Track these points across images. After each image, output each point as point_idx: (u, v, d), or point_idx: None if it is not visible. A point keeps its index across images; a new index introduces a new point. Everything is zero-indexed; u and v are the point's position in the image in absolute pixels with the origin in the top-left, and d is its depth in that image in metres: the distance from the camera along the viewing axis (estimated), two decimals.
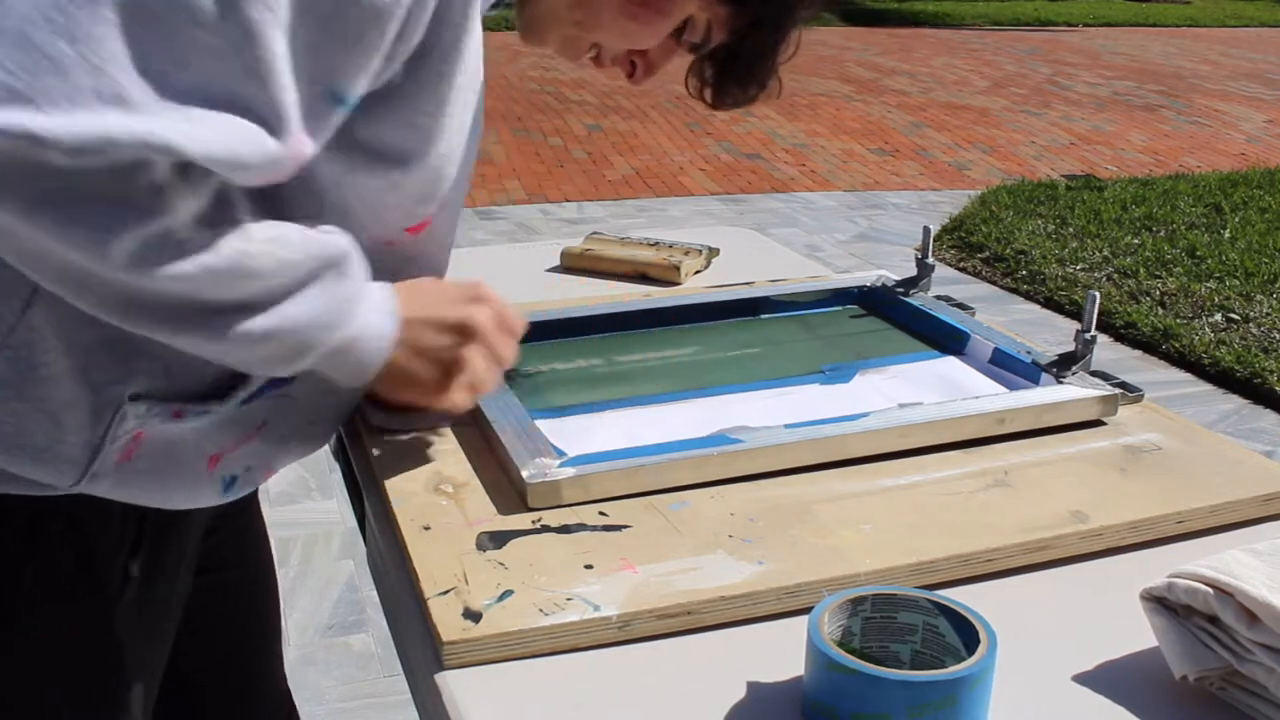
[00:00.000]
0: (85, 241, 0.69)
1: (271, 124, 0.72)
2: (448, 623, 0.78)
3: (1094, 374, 1.15)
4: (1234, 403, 3.55)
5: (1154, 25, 12.83)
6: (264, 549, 1.21)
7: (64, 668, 0.92)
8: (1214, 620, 0.74)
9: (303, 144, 0.75)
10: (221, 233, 0.75)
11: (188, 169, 0.72)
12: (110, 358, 0.82)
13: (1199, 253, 4.66)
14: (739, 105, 1.03)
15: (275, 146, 0.73)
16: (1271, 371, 3.61)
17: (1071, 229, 4.98)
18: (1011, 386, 1.17)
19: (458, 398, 0.93)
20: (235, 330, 0.78)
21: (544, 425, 1.05)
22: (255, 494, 1.16)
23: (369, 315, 0.85)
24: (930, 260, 1.38)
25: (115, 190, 0.69)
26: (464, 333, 0.92)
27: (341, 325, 0.83)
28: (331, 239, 0.83)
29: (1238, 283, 4.34)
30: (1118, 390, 1.11)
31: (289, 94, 0.73)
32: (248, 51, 0.70)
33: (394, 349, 0.87)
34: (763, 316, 1.39)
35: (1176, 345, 3.85)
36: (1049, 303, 4.30)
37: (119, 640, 0.94)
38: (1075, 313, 4.07)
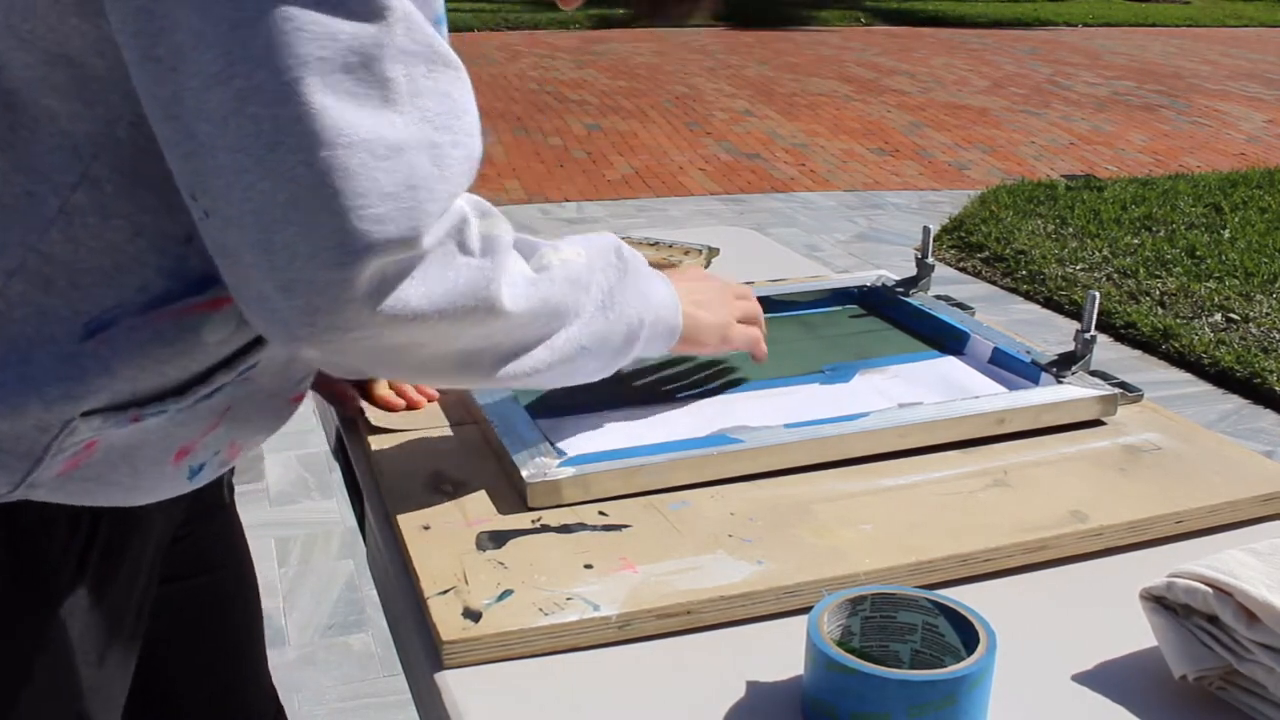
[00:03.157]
0: (475, 307, 0.73)
1: (457, 65, 0.72)
2: (447, 622, 0.78)
3: (1094, 374, 1.15)
4: (1234, 403, 3.55)
5: (1154, 25, 12.83)
6: (242, 550, 1.18)
7: (11, 681, 0.87)
8: (1213, 620, 0.74)
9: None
10: (540, 253, 0.82)
11: (478, 204, 0.76)
12: (68, 376, 0.78)
13: (1199, 253, 4.66)
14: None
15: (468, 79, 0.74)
16: (1271, 371, 3.61)
17: (1071, 229, 4.98)
18: (1011, 386, 1.17)
19: (744, 331, 1.08)
20: (587, 337, 0.85)
21: (544, 425, 1.05)
22: (231, 493, 1.15)
23: (656, 283, 0.94)
24: (930, 260, 1.38)
25: (456, 245, 0.72)
26: (712, 280, 1.06)
27: (649, 295, 0.91)
28: (591, 236, 0.90)
29: (1238, 283, 4.34)
30: (1117, 390, 1.11)
31: (441, 40, 0.72)
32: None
33: (681, 303, 0.97)
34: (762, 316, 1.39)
35: (1176, 345, 3.85)
36: (1049, 303, 4.30)
37: (71, 652, 0.89)
38: (1075, 313, 4.07)
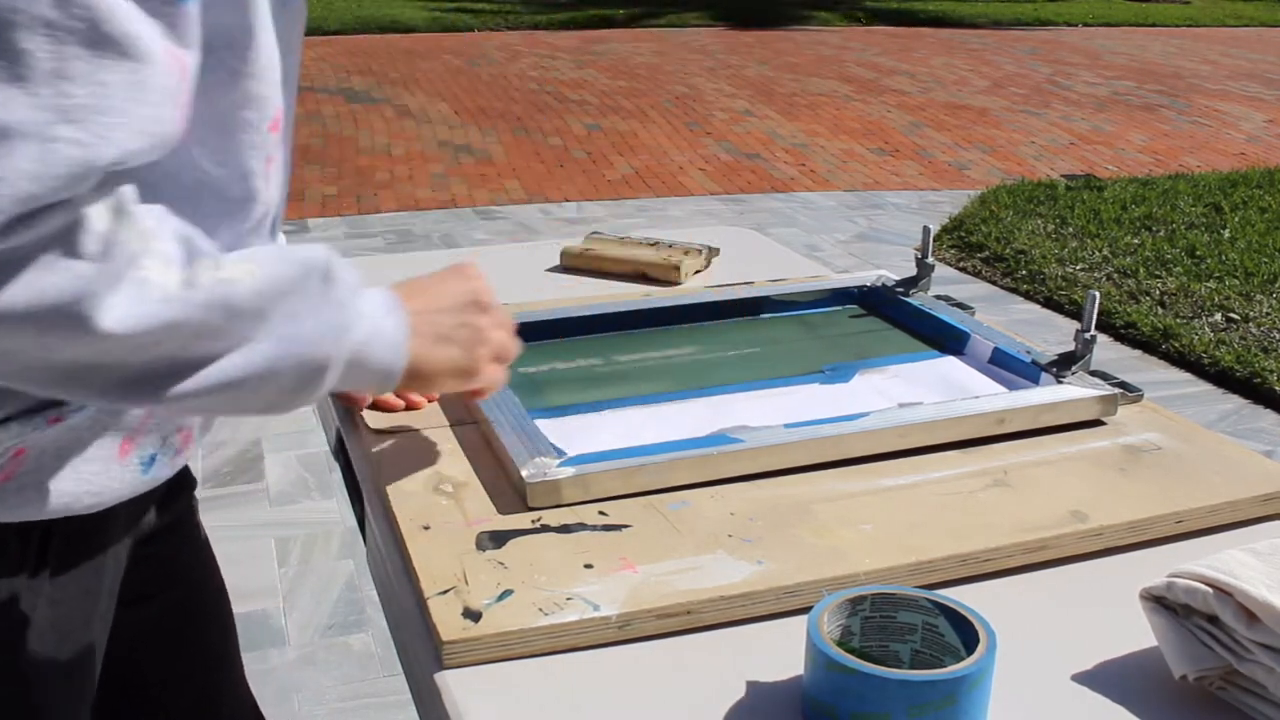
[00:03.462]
0: (61, 319, 0.63)
1: (135, 55, 0.64)
2: (447, 622, 0.78)
3: (1094, 374, 1.15)
4: (1234, 402, 3.55)
5: (1154, 25, 12.83)
6: (211, 562, 1.15)
7: None
8: (1213, 620, 0.74)
9: (175, 56, 0.67)
10: (195, 267, 0.70)
11: (120, 207, 0.66)
12: None
13: (1199, 252, 4.66)
14: None
15: (159, 76, 0.65)
16: (1271, 371, 3.61)
17: (1071, 229, 4.98)
18: (1011, 386, 1.17)
19: (492, 372, 0.93)
20: (244, 369, 0.73)
21: (544, 425, 1.05)
22: (193, 505, 1.13)
23: (374, 313, 0.82)
24: (930, 260, 1.38)
25: (60, 247, 0.63)
26: (474, 305, 0.91)
27: (350, 328, 0.78)
28: (308, 248, 0.78)
29: (1238, 282, 4.34)
30: (1117, 390, 1.11)
31: (135, 22, 0.64)
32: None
33: (412, 340, 0.84)
34: (763, 316, 1.39)
35: (1176, 345, 3.85)
36: (1049, 302, 4.30)
37: (26, 675, 0.87)
38: (1075, 312, 4.07)
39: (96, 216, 0.65)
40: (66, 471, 0.82)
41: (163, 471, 0.91)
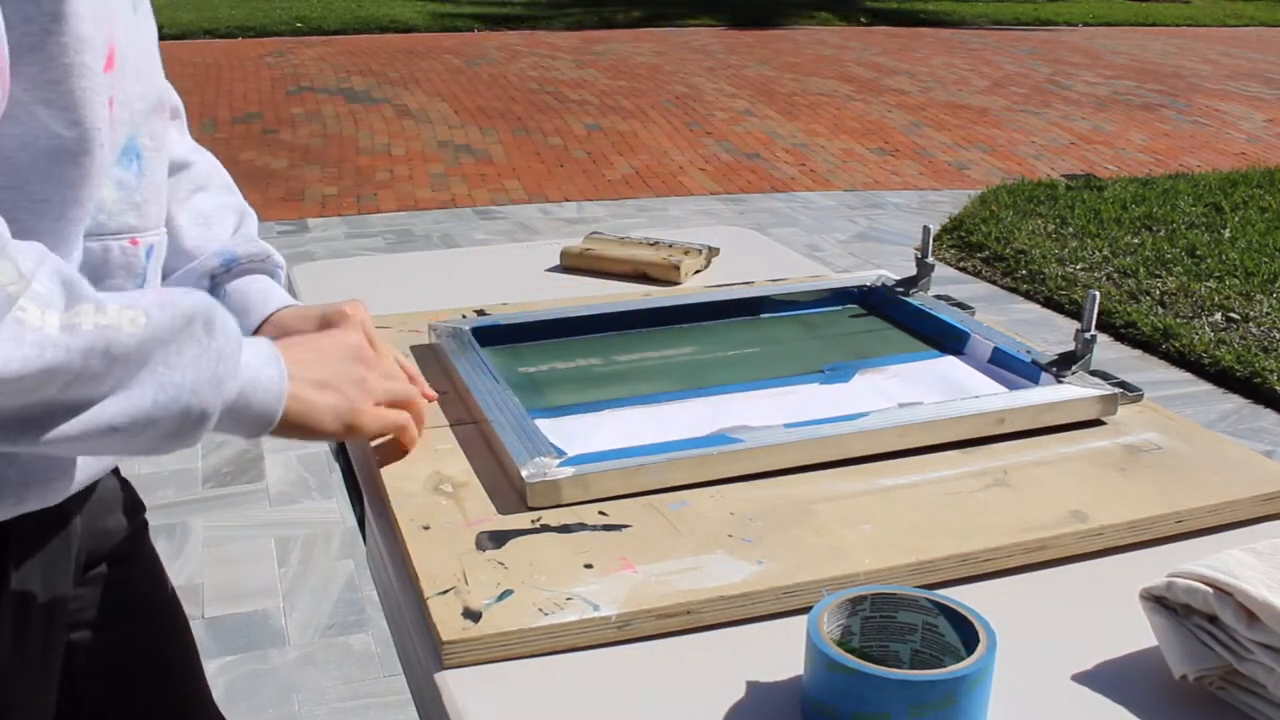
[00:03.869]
0: None
1: None
2: (447, 622, 0.78)
3: (1094, 373, 1.15)
4: (1234, 402, 3.55)
5: (1154, 25, 12.83)
6: (167, 585, 1.14)
7: None
8: (1213, 620, 0.74)
9: None
10: (75, 311, 0.69)
11: None
12: None
13: (1199, 252, 4.66)
14: None
15: None
16: (1271, 371, 3.61)
17: (1071, 229, 4.98)
18: (1011, 386, 1.17)
19: (384, 416, 0.95)
20: (123, 415, 0.72)
21: (544, 425, 1.05)
22: (145, 527, 1.12)
23: (254, 362, 0.82)
24: (930, 260, 1.38)
25: None
26: (355, 359, 0.92)
27: (229, 377, 0.79)
28: (191, 296, 0.78)
29: (1238, 282, 4.34)
30: (1117, 390, 1.11)
31: None
32: None
33: (291, 386, 0.85)
34: (763, 316, 1.39)
35: (1176, 345, 3.85)
36: (1049, 302, 4.30)
37: None
38: (1075, 312, 4.07)
39: None
40: (1, 461, 0.81)
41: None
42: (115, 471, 1.07)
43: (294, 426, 0.87)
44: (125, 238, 0.85)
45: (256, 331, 1.07)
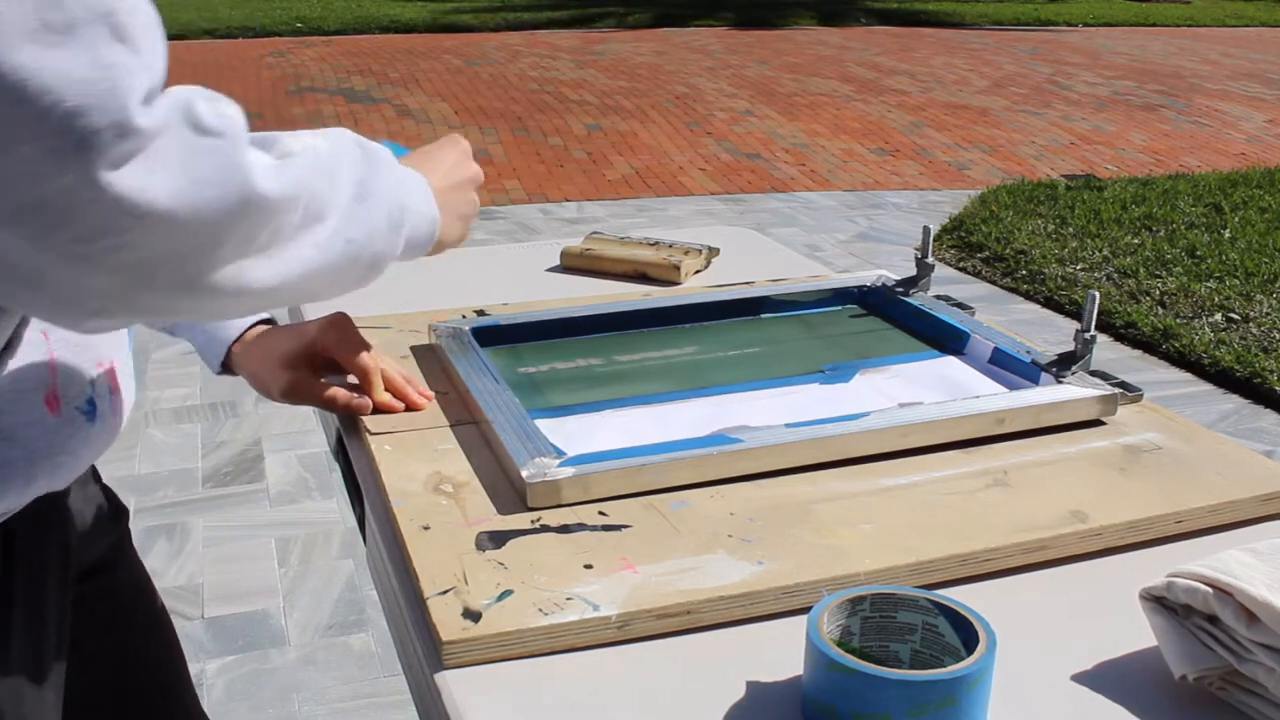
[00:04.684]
0: (225, 186, 0.65)
1: None
2: (447, 622, 0.78)
3: (1094, 374, 1.15)
4: (1234, 403, 3.55)
5: (1154, 25, 12.83)
6: (147, 600, 1.13)
7: None
8: (1213, 620, 0.74)
9: None
10: (279, 141, 0.74)
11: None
12: None
13: (1199, 253, 4.66)
14: None
15: None
16: (1271, 371, 3.61)
17: (1071, 229, 4.98)
18: (1011, 386, 1.17)
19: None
20: (354, 231, 0.78)
21: (544, 425, 1.05)
22: (127, 535, 1.12)
23: (414, 187, 0.90)
24: (930, 260, 1.38)
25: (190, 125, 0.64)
26: (471, 181, 1.02)
27: (409, 197, 0.87)
28: (326, 130, 0.82)
29: (1238, 283, 4.34)
30: (1117, 390, 1.11)
31: None
32: None
33: (441, 217, 0.94)
34: (763, 316, 1.39)
35: (1176, 345, 3.85)
36: (1049, 302, 4.30)
37: None
38: (1075, 312, 4.06)
39: (195, 95, 0.66)
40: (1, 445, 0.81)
41: (111, 413, 0.90)
42: (96, 478, 1.07)
43: (431, 250, 0.95)
44: None
45: (233, 345, 1.10)
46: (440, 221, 0.93)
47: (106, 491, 1.09)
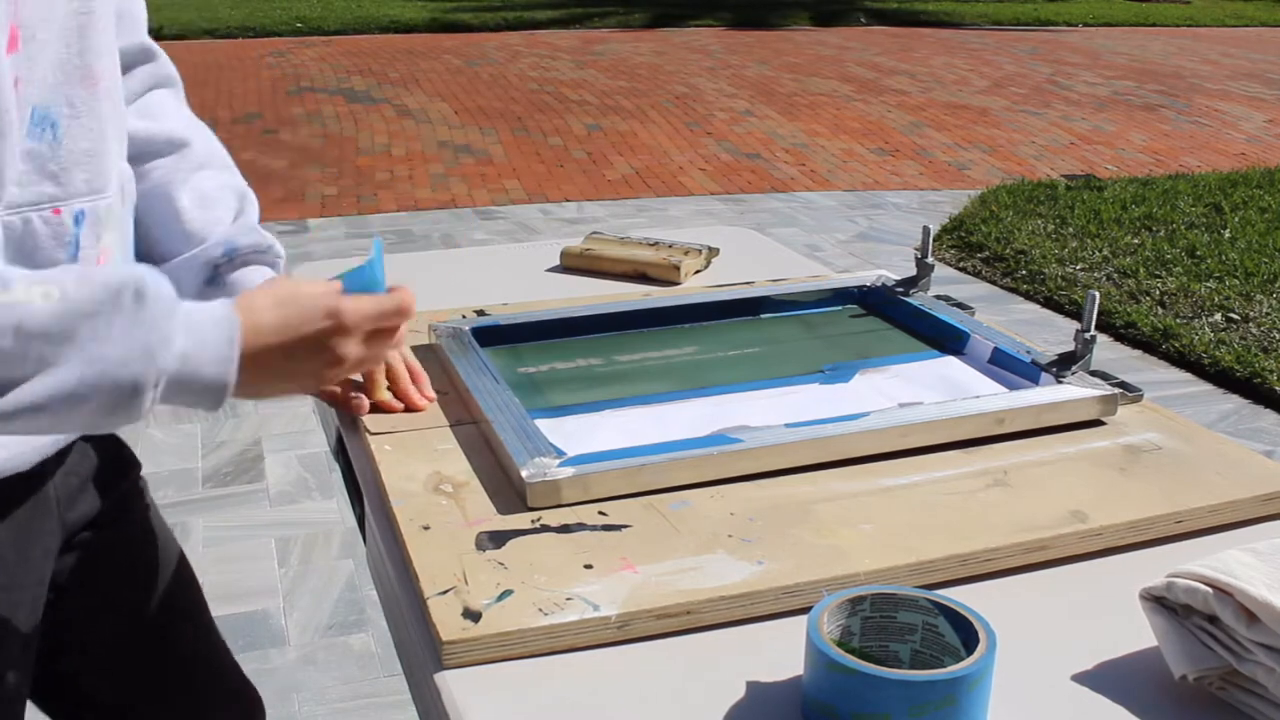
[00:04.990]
0: None
1: None
2: (447, 623, 0.78)
3: (1094, 374, 1.15)
4: (1234, 403, 3.55)
5: (1154, 25, 12.83)
6: (160, 548, 1.13)
7: None
8: (1213, 620, 0.74)
9: None
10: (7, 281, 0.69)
11: None
12: None
13: (1199, 253, 4.66)
14: None
15: None
16: (1271, 371, 3.61)
17: (1071, 229, 4.98)
18: (1011, 386, 1.17)
19: (350, 367, 0.90)
20: (47, 393, 0.72)
21: (544, 425, 1.05)
22: (140, 487, 1.13)
23: (201, 327, 0.79)
24: (930, 260, 1.38)
25: None
26: (326, 343, 0.87)
27: (163, 348, 0.76)
28: (122, 268, 0.77)
29: (1238, 283, 4.34)
30: (1117, 390, 1.11)
31: None
32: None
33: (242, 374, 0.81)
34: (763, 316, 1.39)
35: (1176, 345, 3.85)
36: (1049, 302, 4.30)
37: None
38: (1075, 312, 4.06)
39: None
40: None
41: None
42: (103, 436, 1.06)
43: (247, 395, 0.84)
44: (46, 208, 0.84)
45: None
46: (228, 385, 0.81)
47: (110, 446, 1.08)
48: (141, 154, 1.05)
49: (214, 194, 1.07)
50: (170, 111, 1.09)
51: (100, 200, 0.88)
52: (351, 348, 0.88)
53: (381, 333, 0.90)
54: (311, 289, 0.88)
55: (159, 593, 1.13)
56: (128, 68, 1.04)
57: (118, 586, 1.09)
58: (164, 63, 1.10)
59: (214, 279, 1.05)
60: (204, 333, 0.79)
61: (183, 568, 1.17)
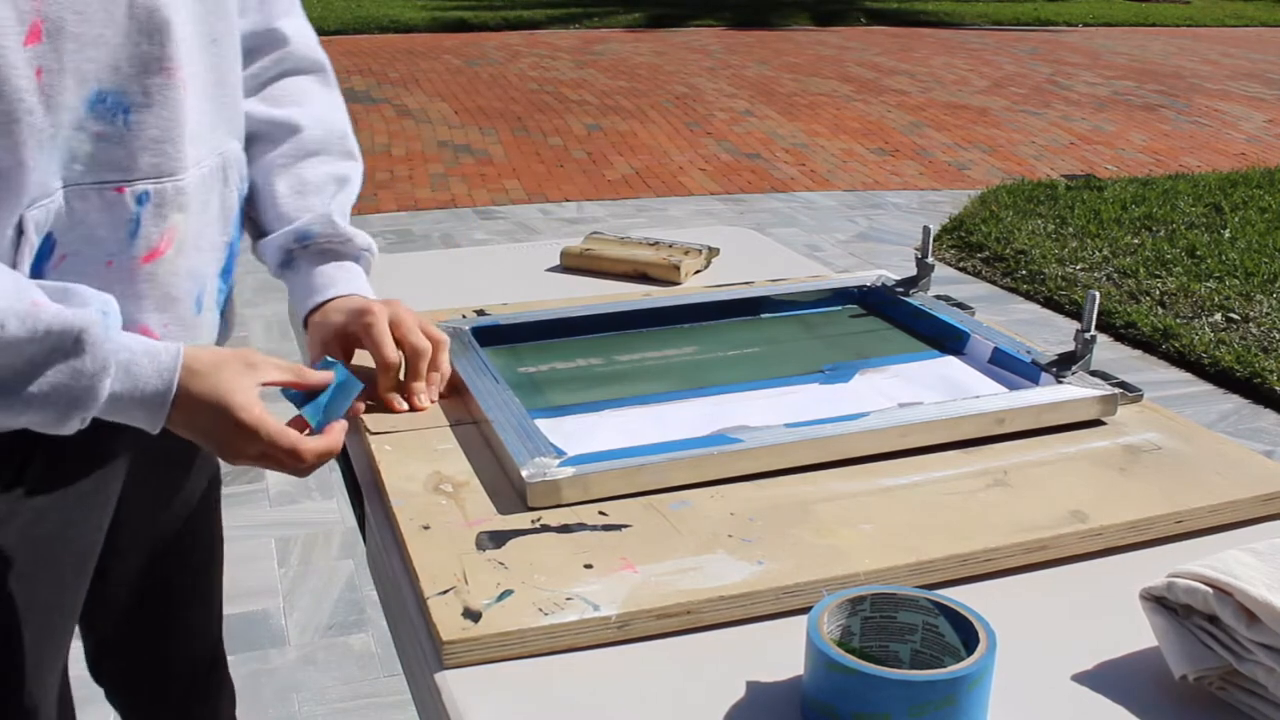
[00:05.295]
0: None
1: None
2: (447, 622, 0.78)
3: (1093, 374, 1.15)
4: (1234, 402, 3.55)
5: (1154, 25, 12.83)
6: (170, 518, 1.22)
7: None
8: (1213, 620, 0.74)
9: None
10: None
11: None
12: None
13: (1199, 253, 4.66)
14: None
15: None
16: (1271, 371, 3.61)
17: (1071, 229, 4.98)
18: (1011, 386, 1.17)
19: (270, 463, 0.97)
20: None
21: (544, 425, 1.05)
22: (198, 497, 1.20)
23: (137, 369, 0.88)
24: (930, 260, 1.38)
25: None
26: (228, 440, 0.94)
27: (89, 401, 0.85)
28: (69, 312, 0.83)
29: (1238, 283, 4.34)
30: (1117, 390, 1.11)
31: None
32: None
33: (171, 412, 0.90)
34: (763, 316, 1.39)
35: (1176, 345, 3.85)
36: (1049, 302, 4.30)
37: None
38: (1075, 312, 4.06)
39: None
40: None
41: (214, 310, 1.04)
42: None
43: (184, 420, 0.92)
44: (109, 186, 0.91)
45: (309, 316, 1.12)
46: (171, 399, 0.90)
47: (182, 452, 1.17)
48: (254, 136, 1.12)
49: (314, 181, 1.12)
50: (294, 98, 1.14)
51: (169, 183, 0.95)
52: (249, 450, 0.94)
53: (272, 460, 0.95)
54: (244, 395, 0.93)
55: (185, 532, 1.23)
56: (251, 52, 1.12)
57: (158, 507, 1.18)
58: (297, 49, 1.15)
59: (288, 262, 1.12)
60: (141, 375, 0.88)
61: (214, 531, 1.29)
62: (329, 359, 1.02)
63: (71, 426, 0.87)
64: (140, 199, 0.93)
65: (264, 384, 0.95)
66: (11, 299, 0.81)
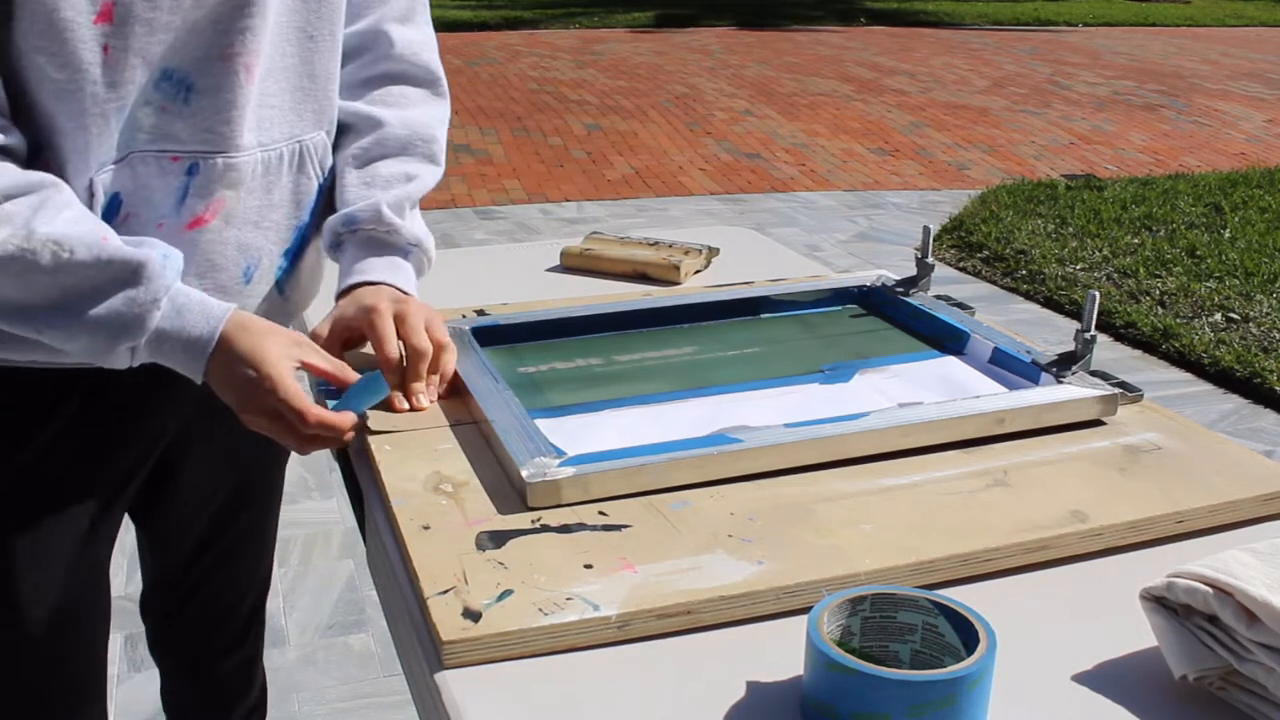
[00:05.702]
0: None
1: None
2: (447, 622, 0.78)
3: (1094, 374, 1.15)
4: (1234, 402, 3.55)
5: (1154, 25, 12.83)
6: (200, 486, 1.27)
7: None
8: (1213, 620, 0.74)
9: None
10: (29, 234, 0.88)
11: None
12: None
13: (1199, 252, 4.66)
14: None
15: None
16: (1271, 371, 3.61)
17: (1071, 229, 4.98)
18: (1011, 386, 1.17)
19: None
20: (43, 329, 0.92)
21: (544, 425, 1.05)
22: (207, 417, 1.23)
23: (191, 308, 0.96)
24: (930, 260, 1.38)
25: None
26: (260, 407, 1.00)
27: (138, 325, 0.93)
28: (138, 246, 0.93)
29: (1238, 282, 4.34)
30: (1117, 390, 1.11)
31: None
32: None
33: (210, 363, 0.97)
34: (763, 316, 1.39)
35: (1176, 345, 3.85)
36: (1049, 302, 4.30)
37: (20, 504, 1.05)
38: (1075, 312, 4.07)
39: None
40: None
41: (265, 278, 1.10)
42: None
43: (222, 380, 0.99)
44: (166, 155, 0.99)
45: (339, 297, 1.16)
46: (212, 348, 0.97)
47: (238, 452, 1.27)
48: (344, 128, 1.17)
49: (384, 175, 1.16)
50: (393, 102, 1.19)
51: (220, 158, 1.01)
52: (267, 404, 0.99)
53: (281, 421, 0.99)
54: (277, 358, 0.99)
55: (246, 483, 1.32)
56: (354, 51, 1.19)
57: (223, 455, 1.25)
58: (403, 54, 1.20)
59: (337, 244, 1.16)
60: (191, 314, 0.97)
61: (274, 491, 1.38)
62: (372, 373, 1.05)
63: (120, 357, 0.95)
64: (191, 169, 1.00)
65: (302, 363, 1.01)
66: (85, 232, 0.91)
